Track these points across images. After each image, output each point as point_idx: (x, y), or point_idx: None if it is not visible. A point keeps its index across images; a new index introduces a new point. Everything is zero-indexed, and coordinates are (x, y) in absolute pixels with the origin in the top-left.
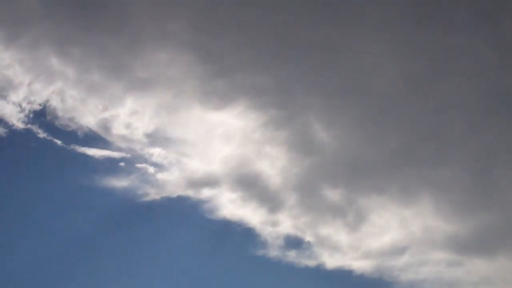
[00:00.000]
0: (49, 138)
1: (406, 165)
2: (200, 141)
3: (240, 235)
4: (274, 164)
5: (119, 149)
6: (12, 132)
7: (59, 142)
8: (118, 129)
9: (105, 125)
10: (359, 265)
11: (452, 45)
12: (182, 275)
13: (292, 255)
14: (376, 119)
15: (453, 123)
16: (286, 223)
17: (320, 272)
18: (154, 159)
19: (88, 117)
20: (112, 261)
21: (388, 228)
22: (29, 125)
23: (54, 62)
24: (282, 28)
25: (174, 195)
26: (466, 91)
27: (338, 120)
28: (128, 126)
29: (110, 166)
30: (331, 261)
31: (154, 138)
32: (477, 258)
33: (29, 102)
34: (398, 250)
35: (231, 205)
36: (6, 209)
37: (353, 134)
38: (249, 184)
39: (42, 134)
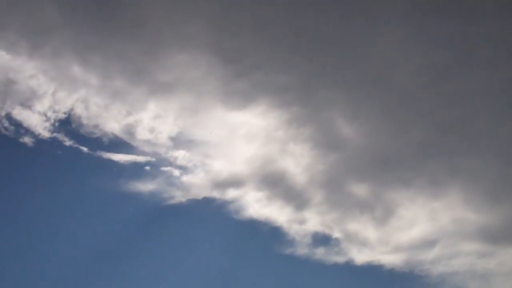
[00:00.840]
0: (75, 145)
1: (433, 157)
2: (223, 142)
3: (267, 234)
4: (298, 162)
5: (144, 154)
6: (39, 141)
7: (85, 149)
8: (142, 134)
9: (129, 130)
10: (389, 259)
11: (474, 34)
12: (211, 276)
13: (320, 253)
14: (400, 111)
15: (479, 112)
16: (313, 221)
17: (349, 268)
18: (179, 162)
19: (112, 123)
20: (141, 265)
21: (417, 221)
22: (55, 134)
23: (77, 70)
24: (301, 24)
25: (200, 197)
26: (491, 80)
27: (362, 114)
28: (152, 130)
29: (136, 170)
30: (360, 256)
31: (178, 141)
32: (510, 248)
33: (54, 111)
34: (428, 243)
35: (257, 205)
36: (36, 217)
37: (377, 128)
38: (274, 183)
39: (68, 142)
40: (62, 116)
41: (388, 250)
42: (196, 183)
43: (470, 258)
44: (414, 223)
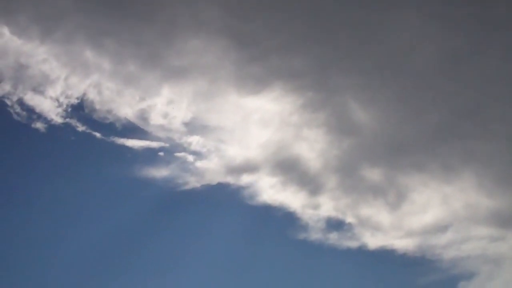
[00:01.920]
0: (88, 131)
1: (446, 141)
2: (237, 127)
3: (281, 220)
4: (312, 147)
5: (157, 139)
6: (52, 127)
7: (98, 134)
8: (155, 119)
9: (143, 116)
10: (402, 244)
11: (491, 19)
12: (225, 262)
13: (333, 238)
14: (414, 96)
15: (494, 97)
16: (327, 206)
17: (362, 253)
18: (193, 147)
19: (126, 108)
20: (156, 250)
21: (429, 206)
22: (67, 119)
23: (89, 55)
24: (316, 9)
25: (214, 182)
26: (507, 65)
27: (376, 99)
28: (165, 115)
29: (150, 156)
30: (373, 241)
31: (192, 127)
32: None
33: (67, 97)
34: (440, 228)
35: (271, 190)
36: (49, 202)
37: (391, 112)
38: (289, 168)
39: (81, 128)
40: (74, 101)
41: (400, 235)
42: (210, 168)
43: (482, 243)
44: (426, 208)
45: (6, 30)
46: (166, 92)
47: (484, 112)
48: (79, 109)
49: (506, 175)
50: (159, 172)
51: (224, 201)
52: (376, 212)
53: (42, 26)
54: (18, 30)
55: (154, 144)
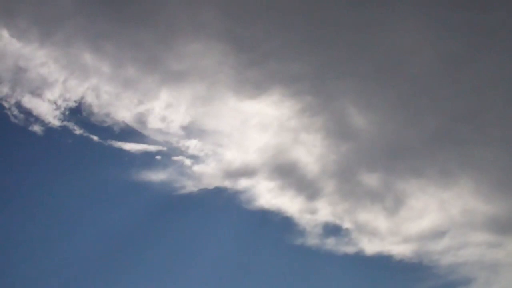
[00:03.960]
0: (86, 134)
1: (444, 147)
2: (235, 131)
3: (278, 225)
4: (310, 151)
5: (155, 143)
6: (49, 130)
7: (95, 138)
8: (153, 123)
9: (141, 119)
10: (399, 250)
11: (489, 23)
12: (222, 266)
13: (330, 243)
14: (412, 101)
15: (492, 103)
16: (324, 211)
17: (359, 259)
18: (191, 151)
19: (124, 111)
20: (152, 255)
21: (427, 212)
22: (65, 122)
23: (88, 58)
24: (315, 13)
25: (211, 186)
26: (504, 70)
27: (374, 104)
28: (163, 119)
29: (147, 160)
30: (370, 247)
31: (190, 130)
32: None
33: (65, 99)
34: (437, 234)
35: (268, 195)
36: (45, 205)
37: (389, 117)
38: (286, 173)
39: (78, 131)
40: (72, 104)
41: (398, 241)
42: (207, 172)
43: (479, 249)
44: (424, 214)
45: (5, 33)
46: (165, 95)
47: (482, 117)
48: (77, 112)
49: (504, 181)
50: (156, 176)
51: (221, 206)
52: (374, 217)
53: (42, 28)
54: (18, 33)
55: (151, 148)
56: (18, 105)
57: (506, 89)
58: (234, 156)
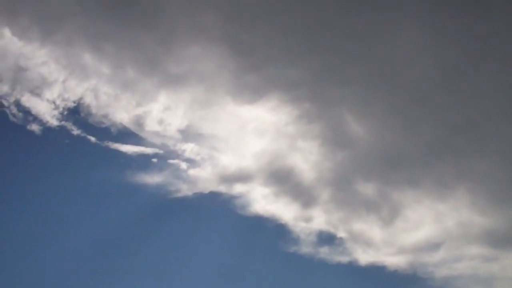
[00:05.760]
0: (83, 135)
1: (441, 157)
2: (232, 136)
3: (272, 231)
4: (307, 159)
5: (152, 145)
6: (47, 129)
7: (92, 138)
8: (151, 125)
9: (138, 121)
10: (393, 261)
11: (487, 33)
12: (214, 271)
13: (324, 252)
14: (410, 110)
15: (489, 113)
16: (319, 219)
17: (353, 269)
18: (187, 154)
19: (122, 113)
20: (145, 258)
21: (422, 223)
22: (63, 122)
23: (88, 58)
24: (314, 19)
25: (206, 191)
26: (502, 80)
27: (372, 112)
28: (161, 122)
29: (143, 162)
30: (364, 257)
31: (187, 134)
32: None
33: (63, 99)
34: (432, 246)
35: (263, 201)
36: (40, 205)
37: (386, 126)
38: (282, 179)
39: (76, 131)
40: (71, 104)
41: (392, 252)
42: (203, 177)
43: (474, 262)
44: (419, 225)
45: (7, 31)
46: (163, 98)
47: (480, 128)
48: (75, 113)
49: (500, 194)
50: (152, 179)
51: (216, 210)
52: (369, 227)
53: (43, 28)
54: (19, 32)
55: (148, 150)
56: (17, 104)
57: (504, 99)
58: (230, 161)
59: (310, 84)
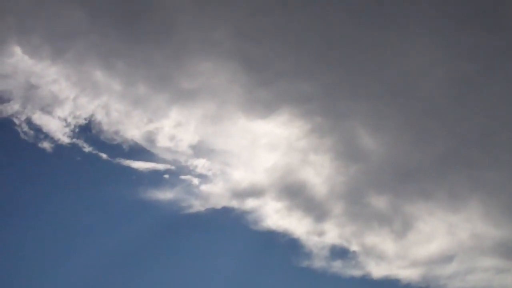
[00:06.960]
0: (95, 152)
1: (454, 170)
2: (244, 151)
3: (284, 246)
4: (319, 173)
5: (163, 161)
6: (58, 146)
7: (104, 155)
8: (162, 141)
9: (150, 138)
10: (406, 274)
11: (500, 45)
12: (227, 287)
13: (337, 266)
14: (422, 123)
15: (502, 125)
16: (331, 233)
17: (366, 282)
18: (199, 170)
19: (133, 130)
20: (158, 274)
21: (435, 235)
22: (74, 140)
23: (99, 75)
24: (325, 34)
25: (219, 206)
26: None
27: (384, 125)
28: (172, 138)
29: (155, 178)
30: (377, 270)
31: (199, 150)
32: None
33: (75, 117)
34: (445, 258)
35: (276, 215)
36: (53, 223)
37: (399, 139)
38: (294, 194)
39: (87, 148)
40: (82, 122)
41: (405, 265)
42: (215, 192)
43: (487, 274)
44: (432, 237)
45: (18, 50)
46: (174, 114)
47: (493, 140)
48: (86, 130)
49: None
50: (164, 195)
51: (228, 226)
52: (381, 240)
53: (54, 46)
54: (30, 50)
55: (160, 166)
56: (29, 122)
57: None
58: (242, 176)
59: (322, 98)
